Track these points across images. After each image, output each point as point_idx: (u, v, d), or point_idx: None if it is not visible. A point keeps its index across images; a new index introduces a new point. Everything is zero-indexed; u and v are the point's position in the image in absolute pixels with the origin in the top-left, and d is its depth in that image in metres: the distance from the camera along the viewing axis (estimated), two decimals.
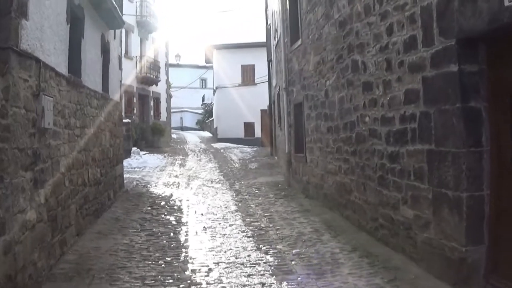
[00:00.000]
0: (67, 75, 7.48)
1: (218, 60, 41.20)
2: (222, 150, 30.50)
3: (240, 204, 11.91)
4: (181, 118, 65.94)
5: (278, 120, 18.12)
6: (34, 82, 5.72)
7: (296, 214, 10.35)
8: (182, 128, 62.30)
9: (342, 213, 9.60)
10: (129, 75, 28.31)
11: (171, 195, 13.31)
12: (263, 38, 38.60)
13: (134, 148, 23.46)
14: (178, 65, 52.05)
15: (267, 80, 37.01)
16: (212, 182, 16.33)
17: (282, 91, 15.15)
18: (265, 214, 10.50)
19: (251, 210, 11.16)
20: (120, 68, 13.45)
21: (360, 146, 8.47)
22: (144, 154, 24.19)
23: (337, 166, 9.90)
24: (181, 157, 26.09)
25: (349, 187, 9.14)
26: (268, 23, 22.45)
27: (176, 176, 18.00)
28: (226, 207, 11.56)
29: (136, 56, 30.50)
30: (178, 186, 15.41)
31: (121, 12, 11.85)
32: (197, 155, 27.78)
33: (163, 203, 12.07)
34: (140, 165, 20.61)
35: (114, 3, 10.46)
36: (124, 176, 14.48)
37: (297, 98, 13.16)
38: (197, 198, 12.98)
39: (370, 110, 7.89)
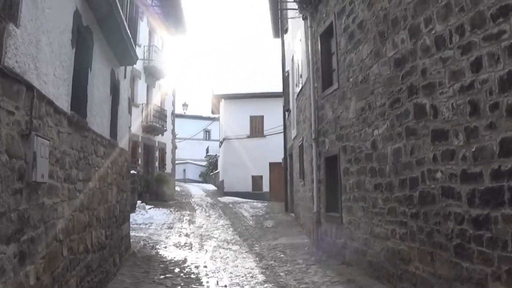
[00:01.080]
0: (70, 112, 5.90)
1: (225, 111, 40.05)
2: (231, 205, 28.73)
3: (267, 273, 10.11)
4: (184, 170, 65.18)
5: (301, 175, 16.45)
6: (24, 117, 4.15)
7: (338, 286, 8.61)
8: (185, 180, 61.31)
9: (396, 285, 7.93)
10: (134, 123, 26.87)
11: (185, 259, 11.52)
12: (273, 88, 37.71)
13: (139, 202, 21.76)
14: (181, 116, 50.53)
15: (282, 131, 35.68)
16: (228, 243, 14.51)
17: (310, 142, 13.59)
18: (301, 287, 8.75)
19: (281, 280, 9.39)
20: (130, 112, 11.96)
21: (426, 208, 6.89)
22: (149, 209, 22.48)
23: (388, 229, 8.27)
24: (188, 212, 24.34)
25: (407, 256, 7.51)
26: (286, 70, 21.10)
27: (186, 235, 16.21)
28: (252, 277, 9.74)
29: (142, 104, 29.11)
30: (191, 247, 13.60)
31: (135, 44, 10.36)
32: (205, 210, 26.01)
33: (177, 270, 10.29)
34: (146, 221, 18.87)
35: (129, 32, 8.98)
36: (130, 234, 12.81)
37: (331, 150, 11.57)
38: (215, 264, 11.17)
39: (444, 164, 6.34)
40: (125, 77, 10.93)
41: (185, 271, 10.20)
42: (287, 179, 22.70)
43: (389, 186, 8.28)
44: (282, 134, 35.91)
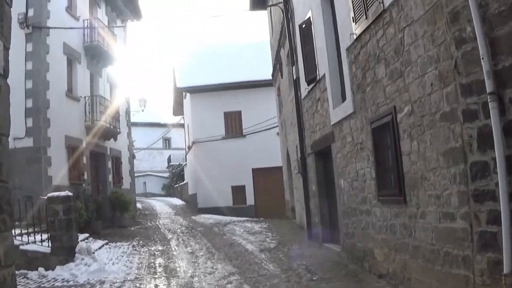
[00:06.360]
0: None
1: (192, 108, 32.37)
2: (216, 229, 20.75)
3: None
4: (144, 183, 58.92)
5: (396, 185, 8.40)
6: None
7: None
8: (146, 195, 55.19)
9: None
10: (75, 123, 18.91)
11: None
12: (252, 76, 30.19)
13: (81, 241, 13.54)
14: (135, 124, 41.57)
15: (265, 128, 28.25)
16: None
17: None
18: None
19: None
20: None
21: None
22: (99, 249, 14.34)
23: None
24: (160, 247, 16.19)
25: None
26: (304, 21, 13.36)
27: None
28: None
29: (85, 97, 20.96)
30: None
31: None
32: (183, 240, 17.97)
33: None
34: (93, 279, 10.78)
35: None
36: None
37: None
38: None
39: None
40: None
41: None
42: (308, 191, 14.96)
43: None
44: (265, 131, 28.69)
